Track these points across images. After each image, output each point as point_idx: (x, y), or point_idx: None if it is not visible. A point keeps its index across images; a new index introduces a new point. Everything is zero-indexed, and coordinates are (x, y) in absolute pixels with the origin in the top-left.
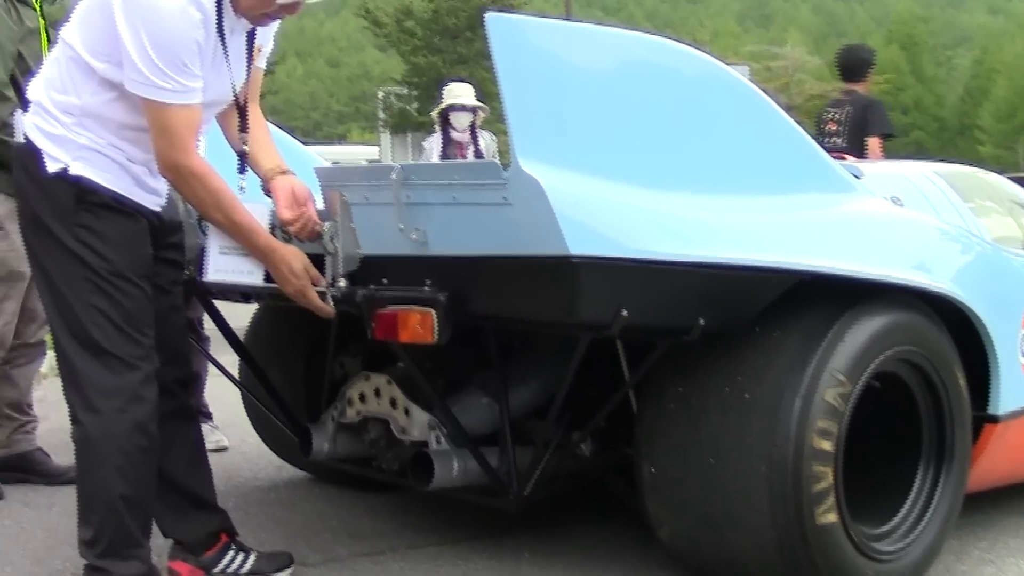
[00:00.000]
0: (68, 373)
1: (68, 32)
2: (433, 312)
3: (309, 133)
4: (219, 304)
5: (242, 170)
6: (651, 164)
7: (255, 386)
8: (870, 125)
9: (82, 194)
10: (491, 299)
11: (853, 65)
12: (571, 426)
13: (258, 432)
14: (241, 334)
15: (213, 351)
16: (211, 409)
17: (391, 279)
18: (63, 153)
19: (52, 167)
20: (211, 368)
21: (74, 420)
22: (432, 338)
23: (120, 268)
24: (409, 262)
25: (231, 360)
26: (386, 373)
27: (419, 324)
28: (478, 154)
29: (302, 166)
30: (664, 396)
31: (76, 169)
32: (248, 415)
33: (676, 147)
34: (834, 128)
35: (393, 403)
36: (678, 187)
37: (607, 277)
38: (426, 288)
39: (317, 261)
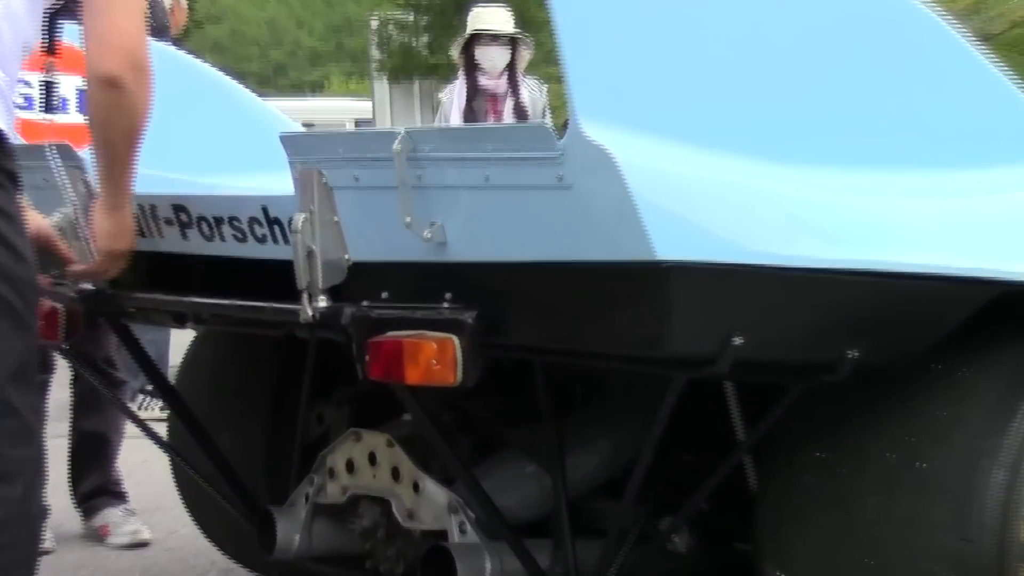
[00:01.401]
0: None
1: None
2: (455, 340)
3: (268, 81)
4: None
5: (48, 107)
6: (777, 127)
7: (192, 450)
8: None
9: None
10: (539, 323)
11: None
12: (658, 509)
13: (195, 519)
14: (172, 375)
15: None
16: (126, 487)
17: (393, 294)
18: None
19: None
20: (128, 427)
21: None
22: (454, 378)
23: (31, 280)
24: (420, 271)
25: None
26: (385, 431)
27: (434, 358)
28: (519, 110)
29: (258, 132)
30: (797, 465)
31: None
32: (181, 494)
33: (813, 102)
34: None
35: (396, 475)
36: (816, 160)
37: (712, 291)
38: (445, 307)
39: (284, 269)
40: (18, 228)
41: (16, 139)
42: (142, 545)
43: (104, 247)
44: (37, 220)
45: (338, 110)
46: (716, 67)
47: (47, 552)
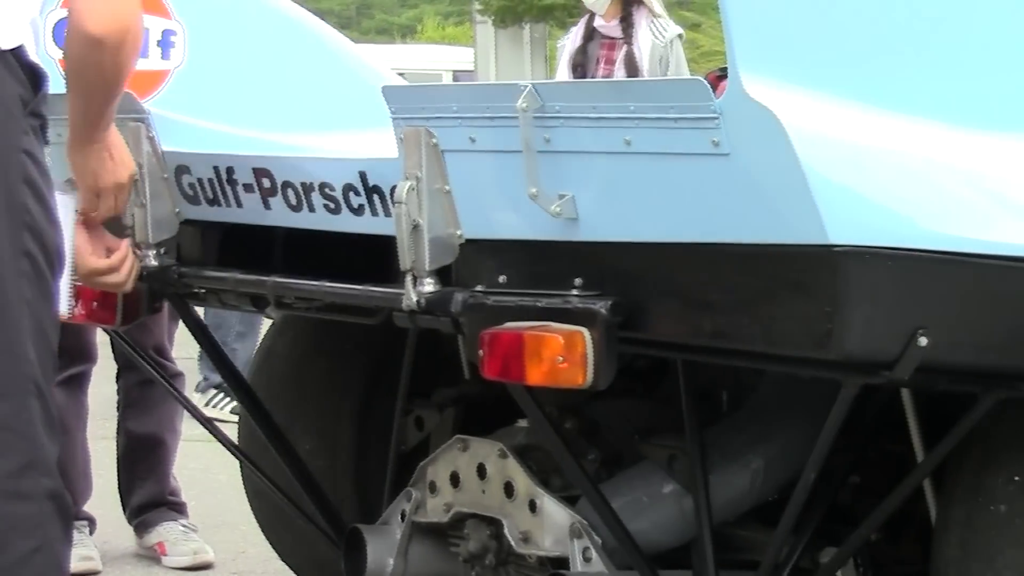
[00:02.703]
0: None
1: None
2: (585, 334)
3: (350, 23)
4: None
5: None
6: (975, 88)
7: (266, 457)
8: None
9: (32, 99)
10: (686, 316)
11: None
12: (819, 539)
13: (268, 538)
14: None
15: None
16: (186, 497)
17: (513, 278)
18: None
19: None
20: (186, 428)
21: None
22: (583, 379)
23: (58, 246)
24: (546, 251)
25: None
26: (498, 439)
27: (561, 355)
28: (629, 61)
29: (354, 83)
30: (987, 490)
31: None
32: (253, 508)
33: (1018, 59)
34: None
35: (509, 491)
36: (1020, 126)
37: (894, 281)
38: (575, 294)
39: (387, 246)
40: (51, 185)
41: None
42: (205, 567)
43: (86, 185)
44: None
45: (433, 59)
46: (904, 16)
47: (95, 574)
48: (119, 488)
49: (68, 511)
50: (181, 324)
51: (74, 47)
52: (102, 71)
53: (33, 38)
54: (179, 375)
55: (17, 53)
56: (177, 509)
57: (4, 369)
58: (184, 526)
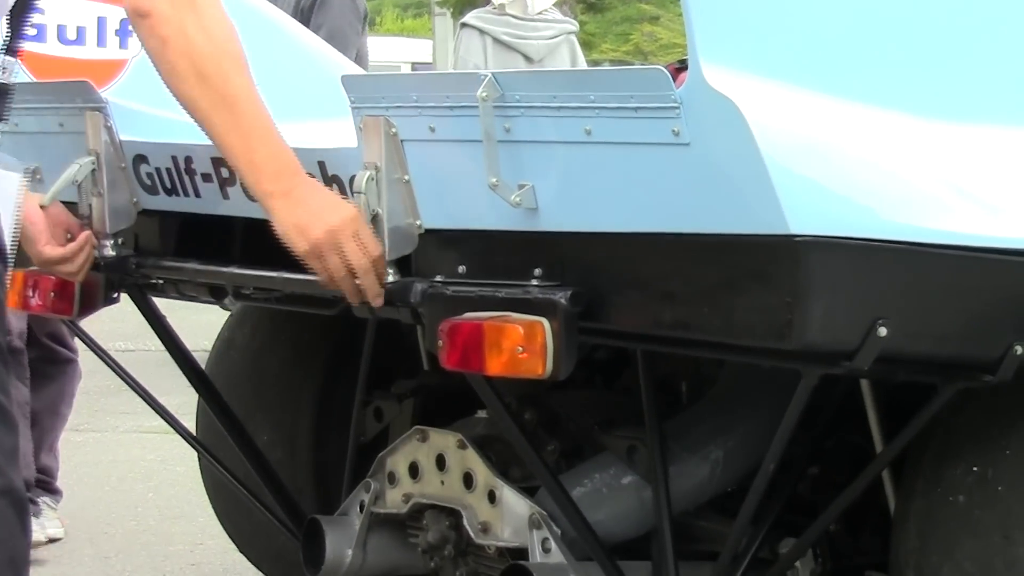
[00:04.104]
0: None
1: None
2: (546, 325)
3: None
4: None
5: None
6: (934, 77)
7: (224, 448)
8: None
9: None
10: (646, 306)
11: None
12: (778, 530)
13: (226, 529)
14: (202, 359)
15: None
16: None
17: (473, 268)
18: None
19: None
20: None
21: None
22: (543, 370)
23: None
24: (506, 241)
25: (182, 403)
26: (457, 430)
27: (521, 345)
28: None
29: (313, 72)
30: (946, 481)
31: None
32: (211, 499)
33: (978, 48)
34: None
35: (468, 481)
36: (982, 118)
37: (854, 271)
38: (534, 284)
39: None
40: None
41: (24, 75)
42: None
43: (293, 245)
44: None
45: (392, 51)
46: (866, 5)
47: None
48: None
49: (22, 505)
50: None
51: (136, 32)
52: (169, 47)
53: None
54: (72, 361)
55: None
56: (43, 486)
57: None
58: (47, 504)
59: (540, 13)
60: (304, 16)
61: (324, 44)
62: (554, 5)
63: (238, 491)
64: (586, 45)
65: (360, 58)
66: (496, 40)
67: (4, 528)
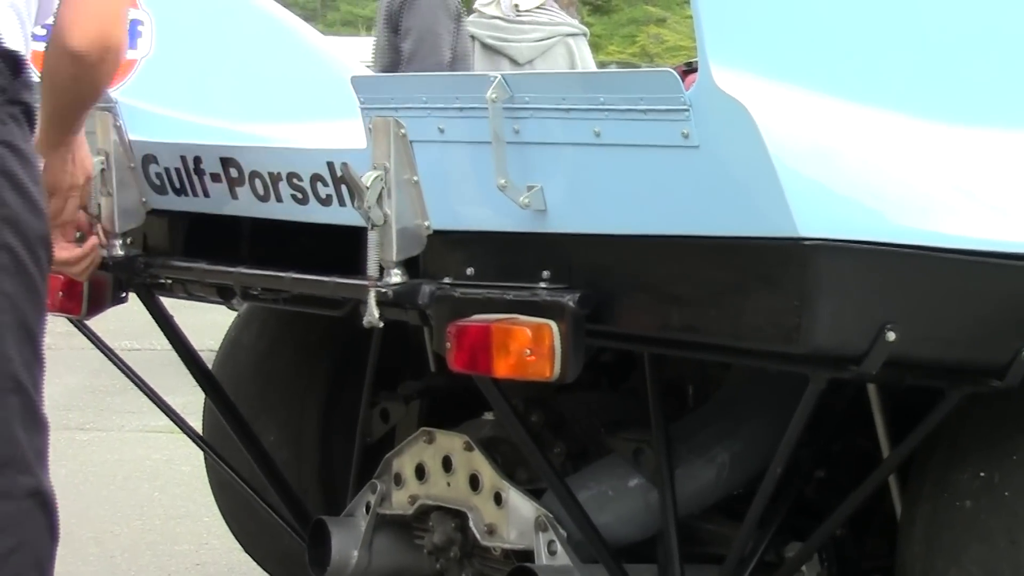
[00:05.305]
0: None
1: None
2: (554, 327)
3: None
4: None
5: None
6: (943, 81)
7: (230, 448)
8: None
9: (11, 84)
10: (654, 309)
11: None
12: (784, 534)
13: (231, 529)
14: (209, 359)
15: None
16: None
17: (481, 270)
18: None
19: None
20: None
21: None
22: (551, 372)
23: (45, 236)
24: (514, 243)
25: (187, 402)
26: (463, 432)
27: (528, 348)
28: None
29: (322, 73)
30: (953, 486)
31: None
32: (216, 499)
33: (987, 51)
34: None
35: (475, 483)
36: (990, 121)
37: (863, 275)
38: (542, 287)
39: (353, 238)
40: (34, 174)
41: (35, 76)
42: None
43: (49, 183)
44: (87, 161)
45: None
46: (876, 8)
47: None
48: None
49: (51, 507)
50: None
51: (52, 57)
52: (78, 84)
53: (16, 23)
54: None
55: None
56: None
57: None
58: None
59: (526, 12)
60: (394, 20)
61: (331, 45)
62: (561, 7)
63: (244, 491)
64: (592, 47)
65: (457, 58)
66: (483, 44)
67: (32, 530)
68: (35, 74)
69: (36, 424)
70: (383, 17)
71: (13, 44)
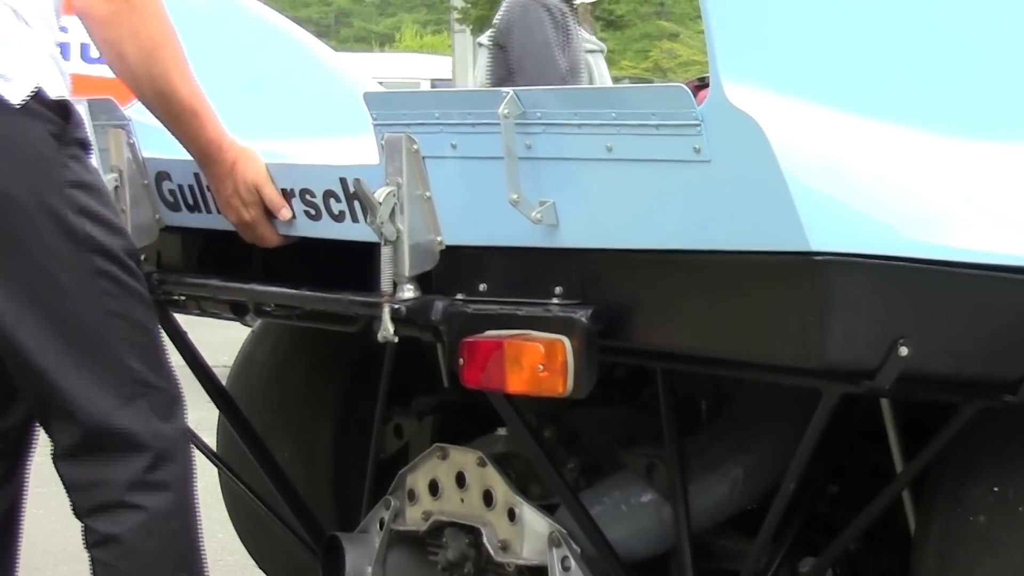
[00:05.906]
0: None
1: None
2: (567, 343)
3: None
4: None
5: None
6: (956, 95)
7: (244, 464)
8: None
9: (65, 129)
10: (667, 324)
11: None
12: (797, 549)
13: (246, 545)
14: (223, 375)
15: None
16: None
17: (494, 286)
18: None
19: (17, 92)
20: None
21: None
22: (563, 388)
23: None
24: (526, 258)
25: (201, 418)
26: (477, 447)
27: (541, 363)
28: None
29: (334, 89)
30: (967, 501)
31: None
32: (231, 515)
33: (1002, 65)
34: None
35: (488, 499)
36: (1004, 135)
37: (876, 290)
38: (555, 302)
39: (366, 254)
40: (103, 198)
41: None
42: None
43: (222, 207)
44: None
45: (411, 68)
46: (887, 23)
47: None
48: None
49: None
50: None
51: (87, 22)
52: (137, 41)
53: (55, 70)
54: None
55: (39, 97)
56: None
57: (111, 383)
58: None
59: None
60: (498, 48)
61: (344, 61)
62: (577, 24)
63: (258, 507)
64: (606, 62)
65: (573, 72)
66: None
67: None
68: (81, 104)
69: (173, 408)
70: (489, 35)
71: (55, 92)
